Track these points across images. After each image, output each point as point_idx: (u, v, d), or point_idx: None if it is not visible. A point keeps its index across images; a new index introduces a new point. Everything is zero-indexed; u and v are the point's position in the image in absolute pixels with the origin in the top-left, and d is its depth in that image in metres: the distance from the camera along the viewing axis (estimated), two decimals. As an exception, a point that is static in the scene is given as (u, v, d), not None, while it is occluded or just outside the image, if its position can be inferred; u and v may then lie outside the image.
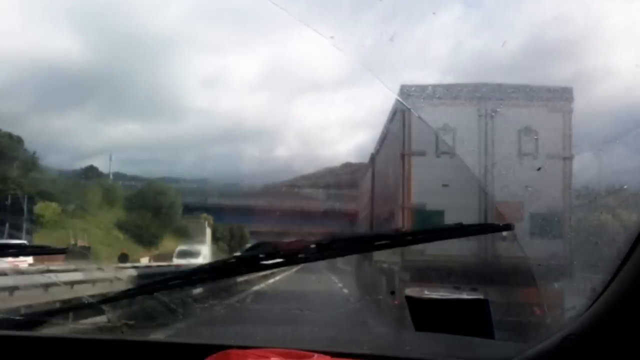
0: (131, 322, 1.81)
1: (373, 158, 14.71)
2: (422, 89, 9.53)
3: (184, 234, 33.28)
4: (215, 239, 39.52)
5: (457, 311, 1.28)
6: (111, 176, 40.03)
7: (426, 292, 1.34)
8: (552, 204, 9.00)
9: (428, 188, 9.19)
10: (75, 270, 7.89)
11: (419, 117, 9.29)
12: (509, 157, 9.08)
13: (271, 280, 23.48)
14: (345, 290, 18.67)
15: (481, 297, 1.30)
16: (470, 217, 9.14)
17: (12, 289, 6.79)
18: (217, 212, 36.66)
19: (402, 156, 9.36)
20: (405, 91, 9.51)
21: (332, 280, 22.41)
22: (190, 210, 35.05)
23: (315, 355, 1.14)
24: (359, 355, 1.23)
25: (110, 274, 8.45)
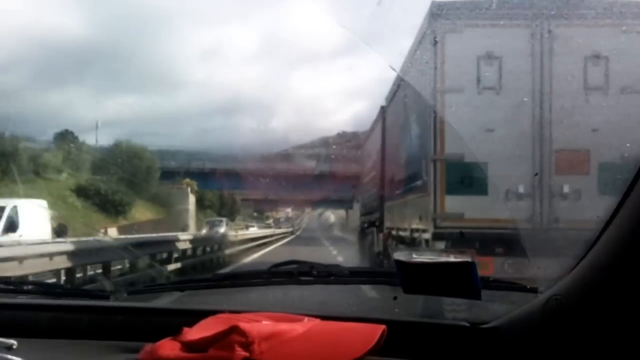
0: (130, 290, 1.73)
1: (384, 110, 12.68)
2: (457, 5, 7.46)
3: (161, 202, 30.36)
4: (201, 206, 36.71)
5: (445, 274, 1.18)
6: (97, 144, 37.24)
7: (414, 256, 1.22)
8: (628, 151, 7.00)
9: (467, 134, 7.25)
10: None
11: (455, 43, 7.20)
12: (572, 92, 7.17)
13: (263, 252, 22.55)
14: (340, 259, 17.97)
15: (468, 259, 1.17)
16: (521, 170, 7.21)
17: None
18: (202, 177, 33.83)
19: (434, 94, 7.28)
20: (436, 10, 7.44)
21: (329, 251, 20.90)
22: (170, 175, 31.98)
23: (306, 318, 1.19)
24: (348, 317, 1.27)
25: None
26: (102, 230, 17.82)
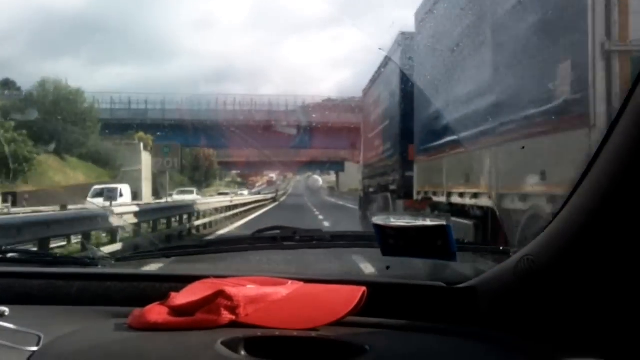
0: (118, 257, 1.81)
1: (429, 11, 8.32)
2: None
3: (102, 161, 24.30)
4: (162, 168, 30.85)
5: (421, 237, 1.22)
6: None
7: (392, 220, 1.24)
8: None
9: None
10: None
11: None
12: None
13: (250, 217, 20.45)
14: (327, 224, 17.25)
15: (443, 223, 1.19)
16: None
17: None
18: (162, 131, 27.15)
19: None
20: None
21: (323, 226, 17.45)
22: (118, 127, 25.55)
23: (289, 281, 1.24)
24: (330, 280, 1.34)
25: None
26: None
